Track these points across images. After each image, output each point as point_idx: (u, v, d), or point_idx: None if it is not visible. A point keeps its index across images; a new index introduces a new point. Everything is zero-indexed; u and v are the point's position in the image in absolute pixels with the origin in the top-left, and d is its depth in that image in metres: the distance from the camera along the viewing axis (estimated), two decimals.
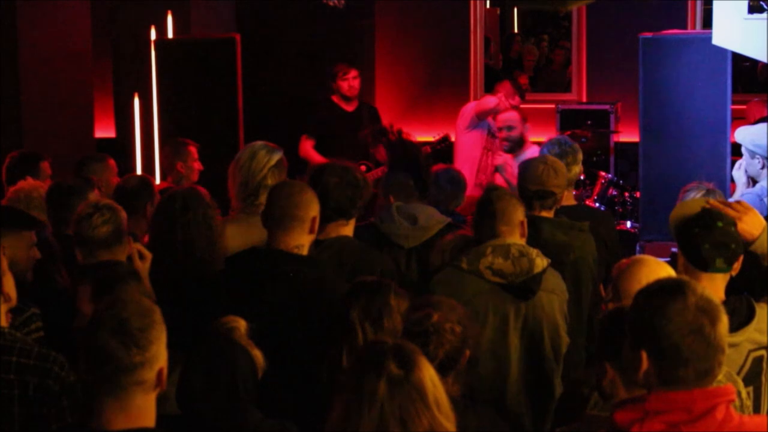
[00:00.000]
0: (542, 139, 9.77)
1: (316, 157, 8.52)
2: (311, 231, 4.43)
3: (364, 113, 9.15)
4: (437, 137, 8.98)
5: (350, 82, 9.10)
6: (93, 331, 2.91)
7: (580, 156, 6.07)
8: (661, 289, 2.87)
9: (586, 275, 5.27)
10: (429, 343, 3.71)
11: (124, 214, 4.68)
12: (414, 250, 5.43)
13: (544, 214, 5.35)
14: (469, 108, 8.79)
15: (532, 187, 5.32)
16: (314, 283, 4.28)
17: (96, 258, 4.51)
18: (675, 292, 2.82)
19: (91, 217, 4.57)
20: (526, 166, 5.44)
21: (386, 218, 5.52)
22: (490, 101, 8.68)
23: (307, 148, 8.95)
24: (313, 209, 4.41)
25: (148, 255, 4.58)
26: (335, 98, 9.16)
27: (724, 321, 2.83)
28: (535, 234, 5.14)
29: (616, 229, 6.48)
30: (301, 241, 4.38)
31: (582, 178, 8.78)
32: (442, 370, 3.71)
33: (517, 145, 7.99)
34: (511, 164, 7.88)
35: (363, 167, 8.43)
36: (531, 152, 7.80)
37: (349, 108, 9.14)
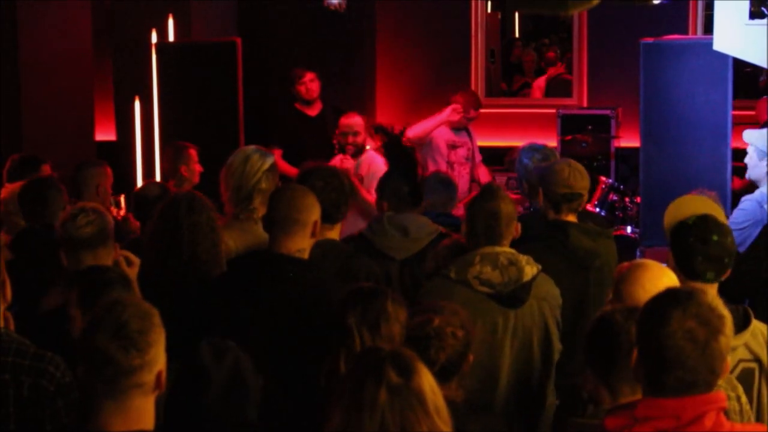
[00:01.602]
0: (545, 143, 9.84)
1: (284, 167, 8.48)
2: (312, 235, 4.43)
3: (329, 115, 9.10)
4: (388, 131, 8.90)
5: (307, 85, 9.01)
6: (92, 334, 2.91)
7: (558, 157, 6.09)
8: (670, 295, 2.88)
9: (609, 281, 5.23)
10: (430, 347, 3.70)
11: (110, 219, 4.67)
12: (406, 262, 5.38)
13: (570, 217, 5.30)
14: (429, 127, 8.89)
15: (560, 190, 5.27)
16: (316, 287, 4.27)
17: (79, 259, 4.48)
18: (682, 299, 2.83)
19: (75, 217, 4.56)
20: (550, 170, 5.37)
21: (377, 230, 5.45)
22: (442, 114, 8.80)
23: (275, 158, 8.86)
24: (315, 213, 4.42)
25: (136, 261, 4.58)
26: (298, 105, 9.10)
27: (724, 336, 2.81)
28: (563, 239, 5.13)
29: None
30: (303, 245, 4.38)
31: None
32: (445, 374, 3.70)
33: (359, 151, 8.01)
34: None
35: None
36: (370, 158, 7.90)
37: (312, 112, 9.06)
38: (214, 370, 3.43)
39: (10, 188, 6.03)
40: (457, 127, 8.88)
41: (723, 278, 4.05)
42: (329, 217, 4.83)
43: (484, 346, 4.56)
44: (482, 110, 9.73)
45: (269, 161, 5.35)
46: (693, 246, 3.97)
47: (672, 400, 2.80)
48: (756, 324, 3.99)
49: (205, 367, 3.43)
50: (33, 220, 5.47)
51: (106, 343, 2.87)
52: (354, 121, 8.07)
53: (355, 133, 7.97)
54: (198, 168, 7.16)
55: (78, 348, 2.96)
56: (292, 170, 8.21)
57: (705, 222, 4.02)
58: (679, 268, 4.00)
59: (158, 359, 2.94)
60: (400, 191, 5.62)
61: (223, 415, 3.40)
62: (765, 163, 6.27)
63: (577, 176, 5.30)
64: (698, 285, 3.84)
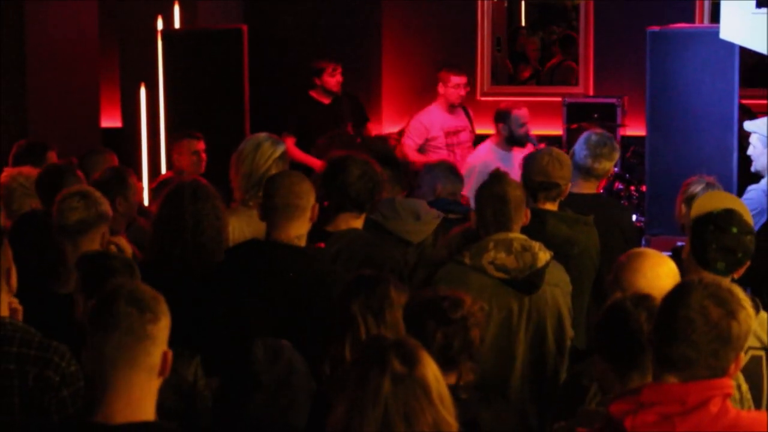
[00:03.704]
0: (546, 132, 9.84)
1: (299, 155, 8.47)
2: (311, 219, 4.44)
3: (344, 103, 9.09)
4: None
5: (338, 78, 9.04)
6: (107, 299, 2.94)
7: (616, 155, 6.03)
8: (697, 279, 2.91)
9: (589, 269, 5.26)
10: (470, 328, 3.67)
11: (101, 207, 4.63)
12: (419, 246, 5.37)
13: (549, 206, 5.32)
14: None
15: (537, 178, 5.29)
16: (316, 275, 4.27)
17: (77, 245, 4.49)
18: (706, 282, 2.85)
19: (63, 202, 4.57)
20: (531, 158, 5.41)
21: (390, 214, 5.40)
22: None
23: (289, 146, 8.84)
24: (313, 197, 4.44)
25: (128, 249, 4.58)
26: (313, 93, 9.08)
27: (737, 323, 2.81)
28: (540, 227, 5.12)
29: (634, 222, 6.53)
30: (302, 231, 4.39)
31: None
32: (474, 352, 3.70)
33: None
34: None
35: None
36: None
37: (327, 101, 9.07)
38: (265, 373, 3.45)
39: (9, 172, 6.03)
40: (453, 104, 8.91)
41: (735, 275, 4.05)
42: (359, 207, 4.82)
43: (499, 331, 4.57)
44: (488, 98, 9.73)
45: (280, 149, 5.35)
46: (711, 233, 4.01)
47: (677, 386, 2.80)
48: (762, 313, 4.01)
49: (255, 370, 3.45)
50: (50, 206, 5.48)
51: (122, 305, 2.92)
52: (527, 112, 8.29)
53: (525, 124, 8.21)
54: (194, 158, 7.18)
55: (90, 319, 2.97)
56: (306, 157, 8.24)
57: (729, 214, 4.07)
58: (693, 255, 4.03)
59: (165, 337, 2.97)
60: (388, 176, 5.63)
61: (271, 419, 3.42)
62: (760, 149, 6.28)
63: (556, 165, 5.30)
64: (708, 275, 3.84)
